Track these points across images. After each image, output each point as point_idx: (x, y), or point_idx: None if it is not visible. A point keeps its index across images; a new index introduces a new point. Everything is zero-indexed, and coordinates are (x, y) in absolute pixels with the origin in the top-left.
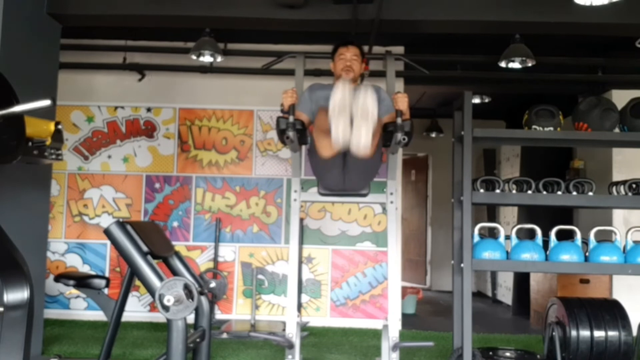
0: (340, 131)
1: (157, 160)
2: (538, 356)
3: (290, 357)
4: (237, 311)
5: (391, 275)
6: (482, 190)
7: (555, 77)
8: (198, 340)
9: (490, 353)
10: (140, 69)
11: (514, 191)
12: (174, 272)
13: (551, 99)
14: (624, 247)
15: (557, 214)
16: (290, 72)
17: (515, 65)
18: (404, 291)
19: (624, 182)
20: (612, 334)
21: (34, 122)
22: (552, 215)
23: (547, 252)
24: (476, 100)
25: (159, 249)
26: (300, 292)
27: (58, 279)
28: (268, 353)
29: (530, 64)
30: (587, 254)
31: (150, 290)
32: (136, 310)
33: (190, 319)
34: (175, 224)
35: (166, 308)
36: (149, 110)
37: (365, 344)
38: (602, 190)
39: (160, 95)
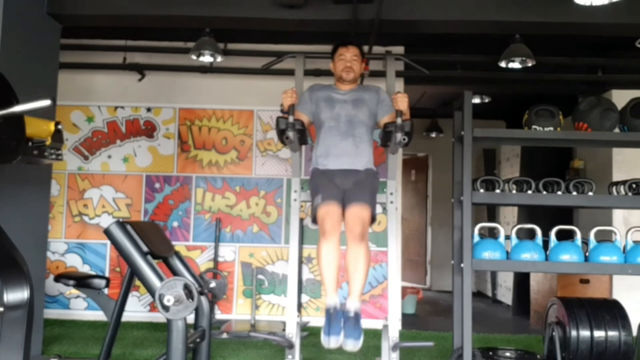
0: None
1: (157, 160)
2: (538, 356)
3: (290, 357)
4: (237, 311)
5: (391, 275)
6: (482, 190)
7: (555, 77)
8: (198, 340)
9: (490, 353)
10: (140, 69)
11: (514, 191)
12: (174, 272)
13: (551, 99)
14: (624, 247)
15: (557, 214)
16: (290, 72)
17: (515, 65)
18: (404, 291)
19: (624, 182)
20: (612, 334)
21: (34, 122)
22: (552, 215)
23: (547, 252)
24: (476, 100)
25: (159, 249)
26: (300, 292)
27: (58, 279)
28: (268, 353)
29: (530, 64)
30: (587, 254)
31: (150, 290)
32: (136, 310)
33: (190, 319)
34: (175, 224)
35: (166, 308)
36: (149, 110)
37: (365, 344)
38: (602, 190)
39: (160, 95)
